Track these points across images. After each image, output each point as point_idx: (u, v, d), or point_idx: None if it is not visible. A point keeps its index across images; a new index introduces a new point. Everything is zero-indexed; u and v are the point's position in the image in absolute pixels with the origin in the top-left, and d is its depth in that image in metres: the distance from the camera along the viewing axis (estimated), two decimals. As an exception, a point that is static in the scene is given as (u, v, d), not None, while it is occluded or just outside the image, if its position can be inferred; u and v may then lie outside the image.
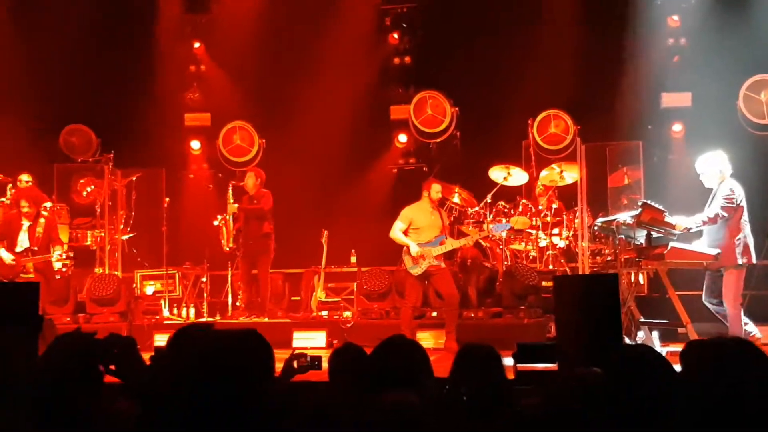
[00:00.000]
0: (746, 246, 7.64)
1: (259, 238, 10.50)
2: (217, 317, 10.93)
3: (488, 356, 3.65)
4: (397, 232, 9.09)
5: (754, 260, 7.75)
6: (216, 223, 10.75)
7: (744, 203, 7.68)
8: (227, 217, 10.65)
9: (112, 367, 3.51)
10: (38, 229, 9.79)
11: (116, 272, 11.24)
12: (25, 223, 9.83)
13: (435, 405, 3.20)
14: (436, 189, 9.22)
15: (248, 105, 12.73)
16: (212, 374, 2.88)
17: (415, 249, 8.96)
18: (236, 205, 10.60)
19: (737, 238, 7.61)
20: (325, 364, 4.27)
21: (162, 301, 11.12)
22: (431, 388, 3.54)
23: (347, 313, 10.68)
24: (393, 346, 3.67)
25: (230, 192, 10.69)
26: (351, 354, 4.22)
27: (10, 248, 9.71)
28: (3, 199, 10.59)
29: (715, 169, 7.79)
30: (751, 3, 10.90)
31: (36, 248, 9.72)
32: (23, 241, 9.78)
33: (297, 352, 4.40)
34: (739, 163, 8.55)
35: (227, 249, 10.73)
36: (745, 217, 7.70)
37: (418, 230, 9.07)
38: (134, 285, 11.18)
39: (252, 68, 12.67)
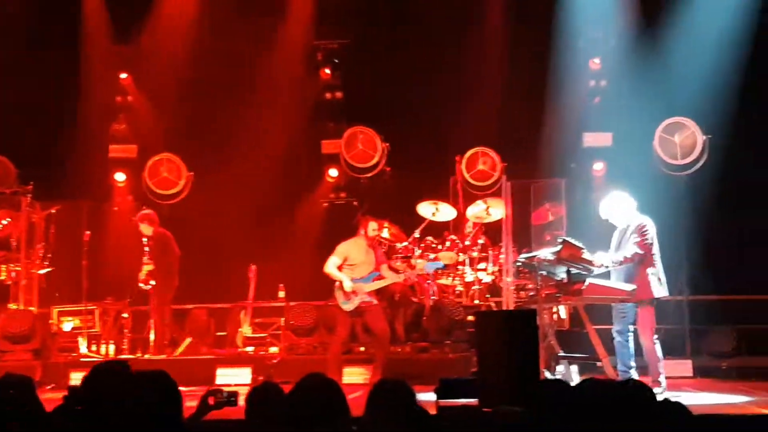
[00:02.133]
0: (659, 281, 7.85)
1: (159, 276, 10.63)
2: (138, 354, 10.74)
3: (400, 392, 3.63)
4: (331, 267, 9.07)
5: (666, 294, 7.98)
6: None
7: (656, 239, 7.90)
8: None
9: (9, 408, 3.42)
10: None
11: (32, 308, 10.94)
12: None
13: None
14: (372, 227, 9.24)
15: (177, 138, 12.55)
16: (121, 416, 2.86)
17: (348, 284, 8.95)
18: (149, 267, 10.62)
19: (651, 273, 7.81)
20: (242, 401, 4.24)
21: (80, 338, 10.78)
22: (346, 427, 3.52)
23: (274, 349, 10.59)
24: (310, 384, 3.64)
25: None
26: (269, 393, 4.18)
27: None
28: None
29: (622, 209, 8.04)
30: (667, 49, 11.26)
31: None
32: None
33: (213, 388, 4.37)
34: (653, 201, 8.84)
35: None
36: (657, 252, 7.91)
37: (353, 267, 9.06)
38: (51, 321, 10.88)
39: (181, 101, 12.53)
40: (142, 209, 11.11)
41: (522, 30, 11.82)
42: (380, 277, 9.13)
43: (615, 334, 7.93)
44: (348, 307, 9.00)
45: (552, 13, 11.61)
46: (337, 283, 9.05)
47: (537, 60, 11.69)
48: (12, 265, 11.09)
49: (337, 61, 12.82)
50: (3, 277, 11.07)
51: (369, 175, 12.34)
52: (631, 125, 11.24)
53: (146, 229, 10.68)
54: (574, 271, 7.78)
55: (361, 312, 9.11)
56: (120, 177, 12.58)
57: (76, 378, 8.99)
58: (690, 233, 10.76)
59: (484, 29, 12.19)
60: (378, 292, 9.40)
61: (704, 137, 10.92)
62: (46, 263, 11.43)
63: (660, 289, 7.85)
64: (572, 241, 7.78)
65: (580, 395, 3.08)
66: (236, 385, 9.01)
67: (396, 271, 10.09)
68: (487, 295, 10.69)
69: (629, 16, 11.56)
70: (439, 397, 6.45)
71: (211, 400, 4.29)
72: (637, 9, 11.52)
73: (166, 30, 12.44)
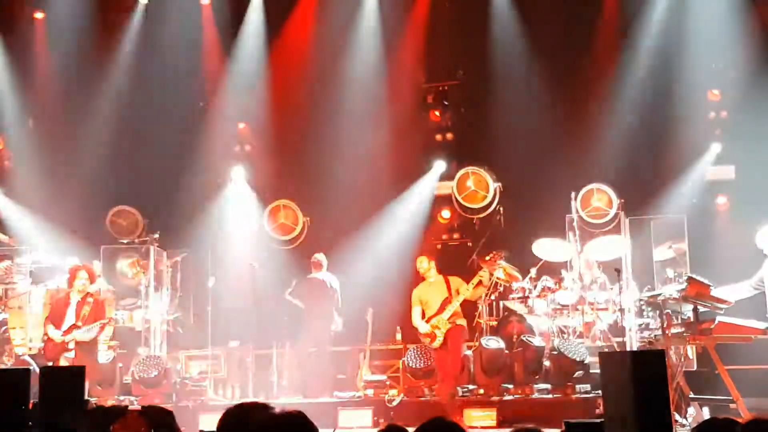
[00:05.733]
0: None
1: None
2: (261, 397, 10.88)
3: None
4: (417, 319, 9.71)
5: None
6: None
7: None
8: None
9: None
10: (85, 307, 9.88)
11: (161, 353, 11.22)
12: (74, 300, 9.92)
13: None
14: (419, 263, 9.92)
15: (292, 183, 12.90)
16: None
17: (425, 328, 9.46)
18: None
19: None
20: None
21: (207, 382, 11.03)
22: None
23: (393, 392, 10.60)
24: (433, 428, 3.63)
25: None
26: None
27: (57, 328, 9.82)
28: (50, 284, 10.78)
29: None
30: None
31: (80, 324, 9.78)
32: (70, 318, 9.85)
33: None
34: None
35: None
36: None
37: (426, 303, 9.67)
38: (179, 366, 11.18)
39: (297, 147, 12.89)
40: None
41: (635, 62, 11.64)
42: (448, 301, 9.42)
43: None
44: (435, 344, 9.30)
45: (667, 47, 11.40)
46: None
47: (653, 93, 11.47)
48: (142, 311, 11.40)
49: (446, 102, 12.90)
50: (133, 324, 11.40)
51: (482, 215, 12.30)
52: (754, 156, 10.86)
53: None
54: (701, 309, 7.52)
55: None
56: (242, 224, 12.98)
57: (205, 421, 9.18)
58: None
59: (595, 61, 12.07)
60: (497, 332, 9.38)
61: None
62: (174, 309, 11.81)
63: None
64: (699, 278, 7.54)
65: None
66: (358, 427, 9.08)
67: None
68: (609, 336, 10.41)
69: (749, 45, 11.23)
70: (565, 440, 6.30)
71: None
72: (757, 37, 11.19)
73: (281, 80, 12.85)
